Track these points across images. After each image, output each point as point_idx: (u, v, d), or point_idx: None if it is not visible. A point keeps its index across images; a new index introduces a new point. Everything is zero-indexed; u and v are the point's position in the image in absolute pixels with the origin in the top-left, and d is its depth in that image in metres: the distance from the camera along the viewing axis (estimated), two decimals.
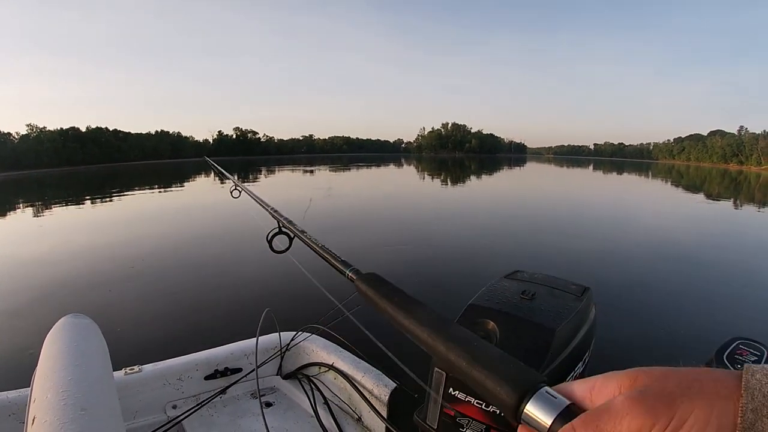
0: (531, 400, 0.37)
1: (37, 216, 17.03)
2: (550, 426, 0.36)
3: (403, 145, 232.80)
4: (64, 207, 19.76)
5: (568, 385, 0.39)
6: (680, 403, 0.32)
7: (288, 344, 1.99)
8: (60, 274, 7.20)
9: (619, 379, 0.36)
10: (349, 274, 0.64)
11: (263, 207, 1.23)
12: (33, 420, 0.97)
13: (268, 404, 1.83)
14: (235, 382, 1.88)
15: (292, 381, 1.94)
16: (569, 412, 0.36)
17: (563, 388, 0.39)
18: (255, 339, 1.87)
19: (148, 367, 1.80)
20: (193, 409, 1.73)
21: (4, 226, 15.27)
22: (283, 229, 1.02)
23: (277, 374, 1.99)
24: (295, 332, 2.03)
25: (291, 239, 1.01)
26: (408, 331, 0.50)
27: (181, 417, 1.69)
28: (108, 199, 21.75)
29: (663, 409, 0.32)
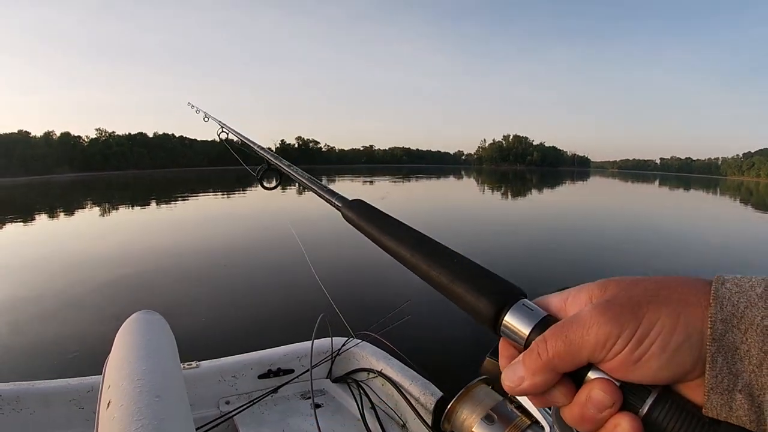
0: (510, 311, 0.38)
1: (107, 215, 17.97)
2: (528, 336, 0.37)
3: (463, 157, 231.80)
4: (133, 208, 20.78)
5: (546, 298, 0.40)
6: (647, 311, 0.32)
7: (339, 349, 2.04)
8: (132, 271, 7.59)
9: (590, 289, 0.37)
10: (335, 202, 0.66)
11: (250, 143, 1.22)
12: (108, 404, 1.05)
13: (317, 405, 1.87)
14: (287, 383, 1.94)
15: (341, 385, 1.98)
16: (545, 323, 0.37)
17: (542, 300, 0.40)
18: (308, 342, 1.93)
19: (205, 364, 1.89)
20: (245, 406, 1.79)
21: (81, 223, 16.21)
22: (272, 166, 1.02)
23: (327, 377, 2.03)
24: (346, 338, 2.08)
25: (281, 176, 1.02)
26: (392, 252, 0.51)
27: (234, 413, 1.76)
28: (175, 202, 22.70)
29: (629, 317, 0.32)
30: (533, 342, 0.36)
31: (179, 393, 1.16)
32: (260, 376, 1.93)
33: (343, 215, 0.62)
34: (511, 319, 0.38)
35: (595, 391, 0.33)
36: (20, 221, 16.62)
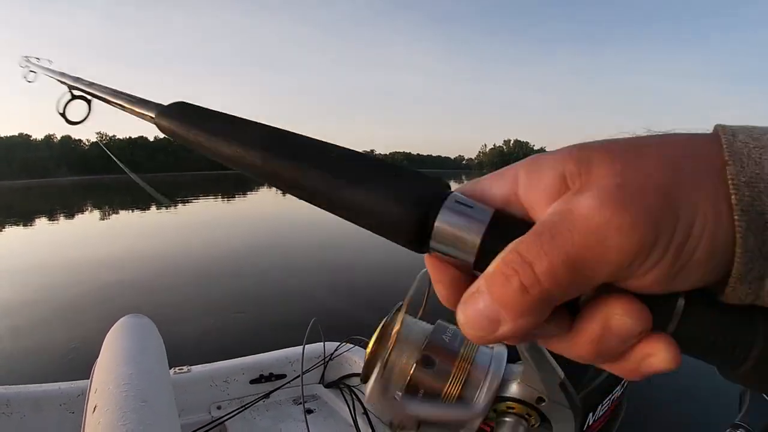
0: (440, 214, 0.25)
1: (100, 219, 18.00)
2: (479, 248, 0.24)
3: (464, 162, 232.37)
4: (130, 212, 20.80)
5: (477, 183, 0.27)
6: (680, 198, 0.21)
7: (332, 354, 2.03)
8: (122, 275, 7.59)
9: (557, 163, 0.24)
10: (149, 115, 0.48)
11: (51, 74, 0.94)
12: (94, 408, 1.04)
13: (309, 411, 1.87)
14: (278, 388, 1.93)
15: (334, 390, 1.97)
16: (502, 223, 0.25)
17: (473, 188, 0.27)
18: (300, 347, 1.92)
19: (197, 368, 1.88)
20: (236, 411, 1.78)
21: (74, 227, 16.24)
22: (75, 93, 0.81)
23: (319, 383, 2.03)
24: (339, 343, 2.07)
25: (89, 102, 0.80)
26: (238, 164, 0.35)
27: (225, 417, 1.75)
28: (173, 206, 22.70)
29: (664, 211, 0.21)
30: (499, 259, 0.23)
31: (166, 397, 1.15)
32: (252, 381, 1.92)
33: (161, 127, 0.45)
34: (444, 225, 0.25)
35: (617, 317, 0.22)
36: (14, 225, 16.64)
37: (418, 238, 0.26)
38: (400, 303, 0.39)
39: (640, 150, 0.23)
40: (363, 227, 0.29)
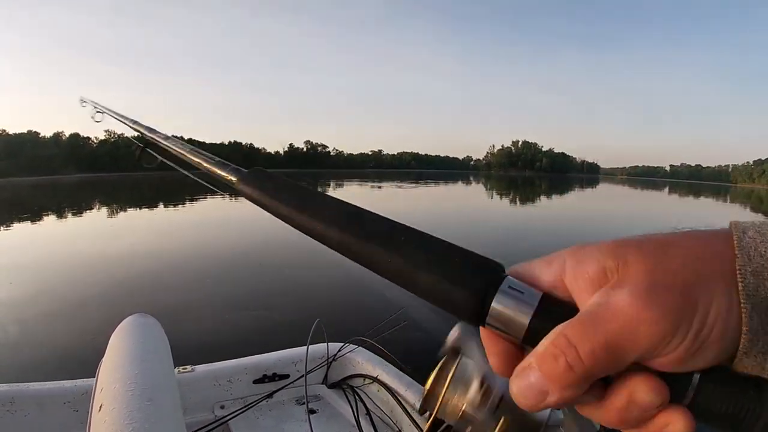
0: (495, 297, 0.30)
1: (107, 218, 18.09)
2: (528, 327, 0.29)
3: (472, 162, 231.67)
4: (138, 210, 20.90)
5: (527, 267, 0.31)
6: (699, 293, 0.26)
7: (335, 354, 2.04)
8: (128, 275, 7.64)
9: (598, 258, 0.28)
10: (228, 177, 0.53)
11: (125, 123, 1.10)
12: (100, 407, 1.05)
13: (312, 411, 1.87)
14: (282, 388, 1.94)
15: (337, 390, 1.98)
16: (547, 306, 0.29)
17: (523, 272, 0.31)
18: (303, 347, 1.93)
19: (201, 368, 1.89)
20: (239, 411, 1.79)
21: (81, 225, 16.32)
22: (148, 142, 0.91)
23: (322, 383, 2.03)
24: (342, 343, 2.08)
25: (161, 151, 0.88)
26: (312, 233, 0.40)
27: (228, 417, 1.76)
28: (175, 206, 22.81)
29: (683, 306, 0.26)
30: (549, 341, 0.27)
31: (172, 396, 1.16)
32: (255, 381, 1.93)
33: (241, 192, 0.50)
34: (499, 307, 0.29)
35: (640, 392, 0.27)
36: (22, 222, 16.74)
37: (477, 316, 0.30)
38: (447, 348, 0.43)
39: (667, 250, 0.28)
40: (428, 301, 0.33)
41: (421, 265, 0.33)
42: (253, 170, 0.50)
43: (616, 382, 0.28)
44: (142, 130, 0.92)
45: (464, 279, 0.31)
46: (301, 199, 0.42)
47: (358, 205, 0.40)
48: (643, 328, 0.26)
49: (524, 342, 0.29)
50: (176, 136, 0.81)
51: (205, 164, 0.60)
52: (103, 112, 1.29)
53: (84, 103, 1.44)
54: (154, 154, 0.93)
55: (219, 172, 0.55)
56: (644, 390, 0.27)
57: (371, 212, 0.38)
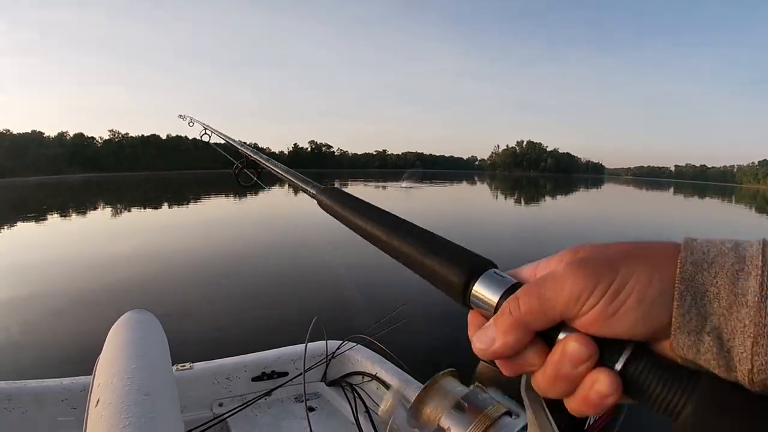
0: (479, 280, 0.38)
1: (109, 217, 18.13)
2: (497, 303, 0.36)
3: (476, 162, 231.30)
4: (136, 210, 20.95)
5: (516, 269, 0.40)
6: (621, 265, 0.32)
7: (334, 352, 2.03)
8: (127, 271, 7.66)
9: (562, 254, 0.36)
10: (311, 191, 0.69)
11: (229, 140, 1.29)
12: (97, 402, 1.05)
13: (311, 409, 1.87)
14: (280, 385, 1.93)
15: (336, 388, 1.98)
16: (515, 289, 0.36)
17: (512, 271, 0.40)
18: (302, 345, 1.92)
19: (199, 365, 1.89)
20: (238, 408, 1.78)
21: (81, 224, 16.37)
22: (250, 161, 1.06)
23: (321, 381, 2.03)
24: (341, 341, 2.08)
25: (258, 173, 1.07)
26: (368, 236, 0.53)
27: (227, 415, 1.75)
28: (176, 205, 22.87)
29: (603, 270, 0.32)
30: (504, 303, 0.35)
31: (169, 392, 1.16)
32: (254, 379, 1.93)
33: (318, 203, 0.65)
34: (480, 288, 0.38)
35: (570, 344, 0.32)
36: (26, 222, 16.79)
37: (461, 294, 0.39)
38: (451, 369, 0.51)
39: (611, 245, 0.34)
40: (428, 282, 0.44)
41: (432, 254, 0.43)
42: (327, 187, 0.66)
43: (556, 344, 0.33)
44: (247, 152, 1.07)
45: (458, 265, 0.41)
46: (361, 210, 0.56)
47: (393, 213, 0.53)
48: (567, 284, 0.32)
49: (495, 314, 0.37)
50: (263, 157, 0.98)
51: (293, 180, 0.77)
52: (210, 134, 1.49)
53: (191, 123, 1.64)
54: (249, 173, 1.08)
55: (303, 186, 0.72)
56: (574, 344, 0.32)
57: (405, 220, 0.51)
